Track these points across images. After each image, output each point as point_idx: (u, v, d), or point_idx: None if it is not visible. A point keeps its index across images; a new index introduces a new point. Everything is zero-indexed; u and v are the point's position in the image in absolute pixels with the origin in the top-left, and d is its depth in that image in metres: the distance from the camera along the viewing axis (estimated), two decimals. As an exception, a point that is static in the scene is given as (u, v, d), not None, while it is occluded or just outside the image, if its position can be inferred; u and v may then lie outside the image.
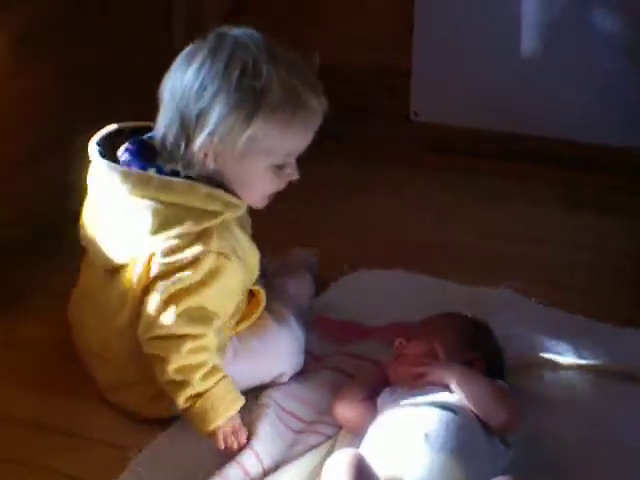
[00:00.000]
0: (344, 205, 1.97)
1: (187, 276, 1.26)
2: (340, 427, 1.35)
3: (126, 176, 1.27)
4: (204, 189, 1.26)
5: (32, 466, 1.33)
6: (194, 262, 1.26)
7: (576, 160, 2.04)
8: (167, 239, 1.26)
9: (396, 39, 2.09)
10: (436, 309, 1.54)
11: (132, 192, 1.26)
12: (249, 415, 1.34)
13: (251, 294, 1.41)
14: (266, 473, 1.28)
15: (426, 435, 1.16)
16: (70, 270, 1.72)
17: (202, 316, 1.28)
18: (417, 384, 1.27)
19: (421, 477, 1.13)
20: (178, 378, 1.27)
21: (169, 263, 1.27)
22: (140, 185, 1.26)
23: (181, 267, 1.26)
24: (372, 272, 1.70)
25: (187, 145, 1.25)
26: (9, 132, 1.66)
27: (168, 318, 1.26)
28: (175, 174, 1.28)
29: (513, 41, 1.91)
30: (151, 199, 1.26)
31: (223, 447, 1.28)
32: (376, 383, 1.34)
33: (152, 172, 1.28)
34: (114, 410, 1.41)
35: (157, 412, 1.37)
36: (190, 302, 1.26)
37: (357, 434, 1.29)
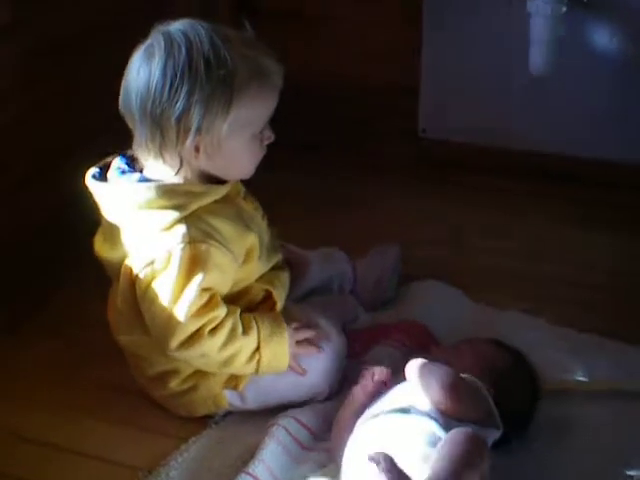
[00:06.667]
0: (352, 220, 1.96)
1: (170, 273, 1.27)
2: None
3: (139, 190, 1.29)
4: (164, 187, 1.27)
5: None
6: (169, 258, 1.27)
7: (588, 178, 2.03)
8: (144, 241, 1.29)
9: (404, 56, 2.08)
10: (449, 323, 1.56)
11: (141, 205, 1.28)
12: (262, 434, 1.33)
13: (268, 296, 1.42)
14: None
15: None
16: (72, 291, 1.73)
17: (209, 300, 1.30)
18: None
19: None
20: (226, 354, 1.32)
21: (148, 264, 1.29)
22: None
23: (158, 268, 1.28)
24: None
25: (175, 148, 1.26)
26: (5, 156, 1.65)
27: (181, 315, 1.27)
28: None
29: (520, 59, 1.90)
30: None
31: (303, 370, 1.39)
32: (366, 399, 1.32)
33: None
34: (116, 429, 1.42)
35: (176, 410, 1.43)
36: (190, 292, 1.27)
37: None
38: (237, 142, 1.29)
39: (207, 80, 1.22)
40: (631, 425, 1.38)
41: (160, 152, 1.27)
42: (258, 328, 1.34)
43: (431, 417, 1.19)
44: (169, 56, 1.23)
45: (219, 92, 1.23)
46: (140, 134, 1.27)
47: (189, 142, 1.25)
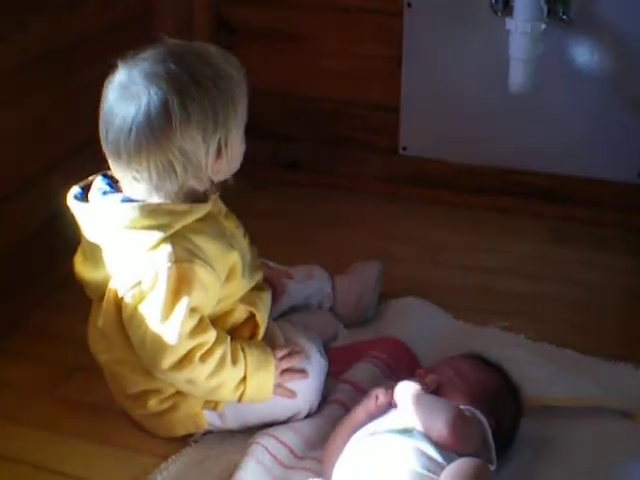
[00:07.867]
0: (332, 238, 1.97)
1: (159, 293, 1.26)
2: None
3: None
4: (149, 206, 1.26)
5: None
6: (156, 278, 1.26)
7: (563, 194, 2.06)
8: (129, 261, 1.28)
9: (384, 74, 2.09)
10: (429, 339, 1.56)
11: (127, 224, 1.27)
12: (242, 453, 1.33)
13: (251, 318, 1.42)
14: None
15: (382, 461, 1.17)
16: (53, 309, 1.73)
17: (200, 322, 1.30)
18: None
19: None
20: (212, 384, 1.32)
21: (134, 285, 1.28)
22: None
23: (146, 289, 1.27)
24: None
25: (203, 172, 1.27)
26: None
27: (173, 334, 1.27)
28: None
29: (500, 77, 1.91)
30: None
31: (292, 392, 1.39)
32: (367, 419, 1.32)
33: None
34: (96, 448, 1.41)
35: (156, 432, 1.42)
36: (180, 312, 1.26)
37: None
38: (240, 143, 1.32)
39: (220, 98, 1.24)
40: (610, 442, 1.38)
41: (180, 184, 1.26)
42: (246, 361, 1.34)
43: (431, 442, 1.19)
44: (181, 93, 1.21)
45: (227, 106, 1.25)
46: (143, 172, 1.25)
47: (212, 162, 1.27)
